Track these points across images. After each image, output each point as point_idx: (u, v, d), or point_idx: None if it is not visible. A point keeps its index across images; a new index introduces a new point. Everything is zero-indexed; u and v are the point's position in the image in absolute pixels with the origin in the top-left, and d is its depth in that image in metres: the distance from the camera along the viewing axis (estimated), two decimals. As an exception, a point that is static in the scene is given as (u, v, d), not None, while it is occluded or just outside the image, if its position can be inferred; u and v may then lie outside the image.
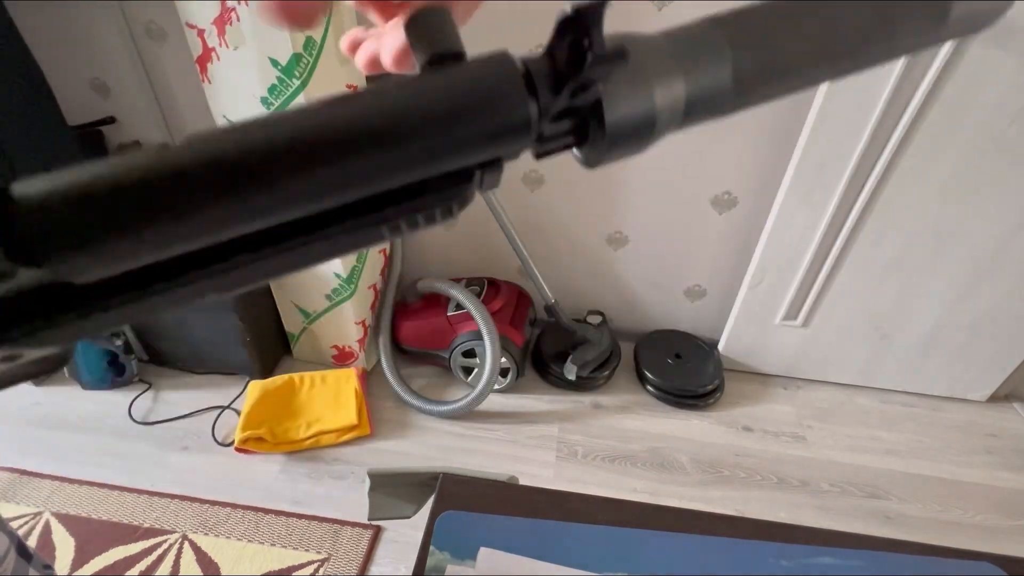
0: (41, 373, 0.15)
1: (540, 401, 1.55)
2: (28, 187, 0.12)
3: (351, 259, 1.39)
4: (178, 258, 0.14)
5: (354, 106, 0.13)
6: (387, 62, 0.16)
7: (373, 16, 0.21)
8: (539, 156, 0.17)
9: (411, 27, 0.15)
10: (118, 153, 1.52)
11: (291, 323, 1.56)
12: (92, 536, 1.16)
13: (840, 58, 0.18)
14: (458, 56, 0.15)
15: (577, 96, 0.15)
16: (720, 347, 1.64)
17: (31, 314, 0.13)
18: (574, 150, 0.17)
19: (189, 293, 0.15)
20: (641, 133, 0.16)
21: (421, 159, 0.14)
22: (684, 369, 1.59)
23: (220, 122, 1.18)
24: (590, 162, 0.17)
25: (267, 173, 0.13)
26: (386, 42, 0.17)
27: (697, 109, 0.17)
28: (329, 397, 1.45)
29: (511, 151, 0.15)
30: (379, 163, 0.14)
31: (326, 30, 1.10)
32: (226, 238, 0.14)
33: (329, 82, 1.15)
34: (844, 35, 0.18)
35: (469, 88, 0.14)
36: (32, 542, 1.16)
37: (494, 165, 0.16)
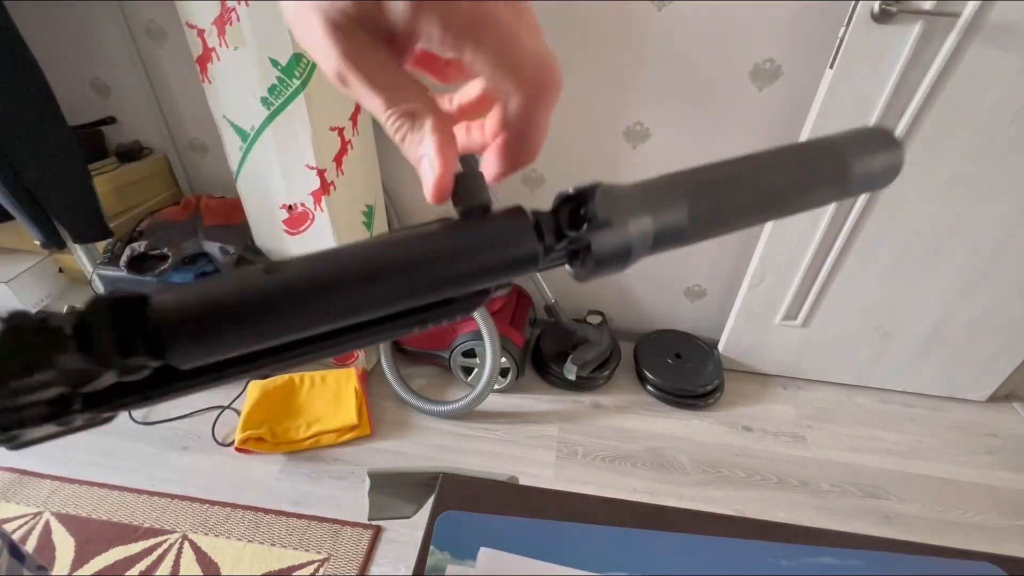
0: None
1: (540, 401, 1.55)
2: (164, 298, 0.16)
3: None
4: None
5: (414, 246, 0.18)
6: (429, 197, 0.20)
7: (428, 77, 0.23)
8: (538, 271, 0.22)
9: (456, 187, 0.20)
10: (119, 154, 1.52)
11: (291, 323, 1.56)
12: (92, 536, 1.16)
13: (767, 210, 0.24)
14: (486, 208, 0.20)
15: (573, 241, 0.20)
16: (720, 347, 1.64)
17: (142, 389, 0.17)
18: (567, 266, 0.22)
19: (255, 369, 0.19)
20: (619, 260, 0.21)
21: (459, 283, 0.19)
22: (684, 369, 1.59)
23: (220, 123, 1.18)
24: (579, 278, 0.22)
25: (348, 293, 0.17)
26: (429, 184, 0.19)
27: (663, 241, 0.22)
28: (329, 397, 1.45)
29: (521, 276, 0.21)
30: (430, 285, 0.18)
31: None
32: (302, 336, 0.18)
33: (329, 81, 1.14)
34: (769, 194, 0.23)
35: (497, 236, 0.19)
36: (32, 542, 1.16)
37: (505, 284, 0.21)
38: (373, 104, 0.20)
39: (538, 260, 0.20)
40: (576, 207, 0.20)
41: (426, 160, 0.19)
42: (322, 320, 0.18)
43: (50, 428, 0.16)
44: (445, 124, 0.19)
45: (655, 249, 0.22)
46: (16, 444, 0.16)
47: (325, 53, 0.20)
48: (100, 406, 0.17)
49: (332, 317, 0.18)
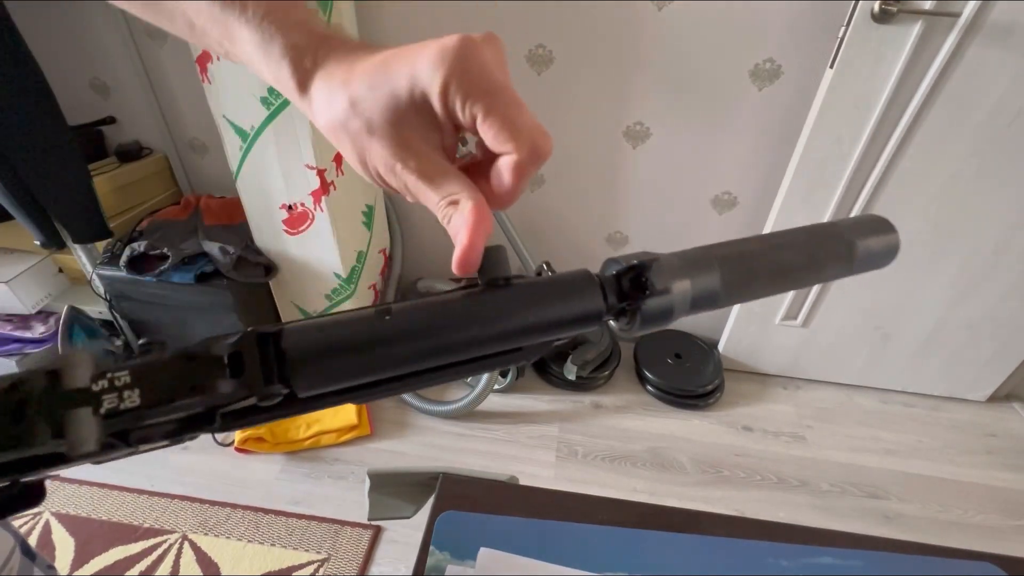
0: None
1: (540, 401, 1.55)
2: (294, 335, 0.19)
3: (351, 259, 1.39)
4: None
5: (503, 301, 0.22)
6: (456, 266, 0.23)
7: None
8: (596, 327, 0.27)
9: (483, 261, 0.23)
10: (119, 153, 1.51)
11: (291, 323, 1.56)
12: (92, 536, 1.16)
13: (787, 280, 0.27)
14: (507, 279, 0.23)
15: (632, 304, 0.24)
16: (720, 347, 1.64)
17: (270, 410, 0.20)
18: (612, 322, 0.25)
19: (361, 397, 0.22)
20: (662, 318, 0.24)
21: (535, 334, 0.23)
22: (684, 369, 1.59)
23: (220, 123, 1.18)
24: (625, 334, 0.28)
25: (448, 337, 0.21)
26: (457, 254, 0.22)
27: (699, 304, 0.25)
28: (329, 397, 1.44)
29: (585, 331, 0.25)
30: (514, 334, 0.22)
31: (326, 30, 1.10)
32: (402, 373, 0.21)
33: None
34: (788, 268, 0.27)
35: (569, 294, 0.23)
36: (32, 542, 1.15)
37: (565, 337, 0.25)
38: (426, 198, 0.24)
39: (602, 317, 0.23)
40: (635, 274, 0.24)
41: (460, 234, 0.22)
42: (421, 360, 0.21)
43: (163, 442, 0.18)
44: (481, 206, 0.22)
45: (692, 311, 0.25)
46: (115, 458, 0.17)
47: (379, 158, 0.24)
48: (233, 424, 0.19)
49: (430, 358, 0.21)
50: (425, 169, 0.23)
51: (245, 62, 0.26)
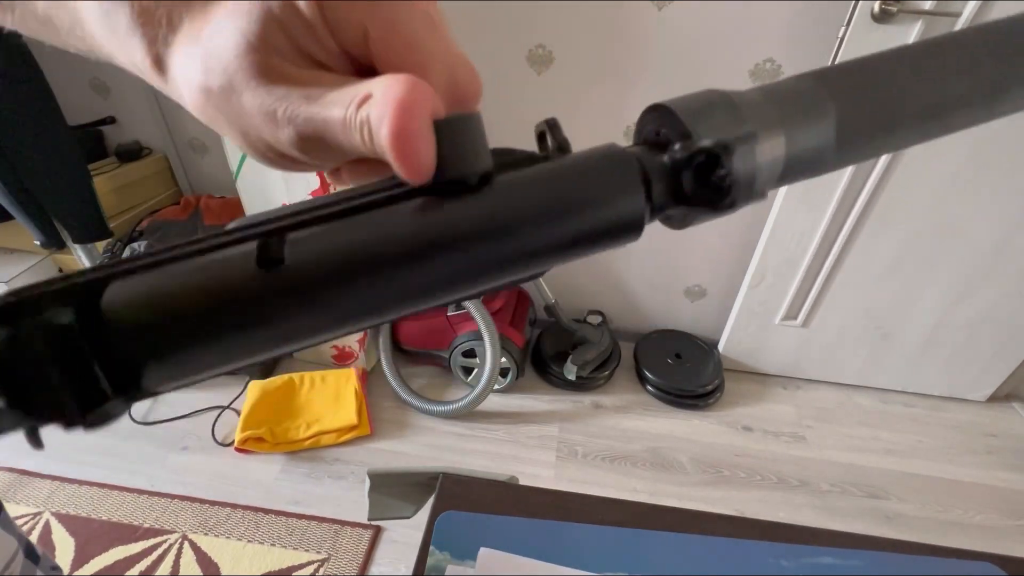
0: None
1: (540, 401, 1.55)
2: (118, 302, 0.12)
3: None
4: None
5: (482, 208, 0.14)
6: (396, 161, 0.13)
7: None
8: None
9: (443, 147, 0.14)
10: (119, 153, 1.51)
11: (291, 323, 1.56)
12: (92, 536, 1.16)
13: (947, 118, 0.18)
14: (488, 175, 0.14)
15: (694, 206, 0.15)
16: (720, 347, 1.64)
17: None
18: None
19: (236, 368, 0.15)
20: (734, 200, 0.15)
21: (533, 261, 0.14)
22: (684, 369, 1.59)
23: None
24: (675, 226, 0.17)
25: (384, 286, 0.13)
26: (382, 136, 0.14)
27: (795, 170, 0.16)
28: (329, 397, 1.45)
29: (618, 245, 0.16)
30: (496, 267, 0.14)
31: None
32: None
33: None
34: (953, 96, 0.17)
35: (591, 190, 0.14)
36: (32, 542, 1.15)
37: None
38: (333, 122, 0.14)
39: (641, 228, 0.15)
40: (706, 167, 0.15)
41: (384, 120, 0.13)
42: (344, 325, 0.14)
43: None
44: (407, 78, 0.14)
45: (782, 181, 0.17)
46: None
47: (257, 114, 0.15)
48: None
49: (350, 324, 0.14)
50: (312, 89, 0.15)
51: (99, 52, 0.19)
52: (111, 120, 1.61)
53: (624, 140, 1.39)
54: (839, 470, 1.39)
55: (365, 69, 0.16)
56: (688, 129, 0.15)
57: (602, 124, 1.38)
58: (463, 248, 0.13)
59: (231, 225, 0.14)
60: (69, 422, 0.11)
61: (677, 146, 0.15)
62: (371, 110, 0.13)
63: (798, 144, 0.16)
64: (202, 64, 0.15)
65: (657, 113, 0.16)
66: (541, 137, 0.16)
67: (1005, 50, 0.18)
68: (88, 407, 0.11)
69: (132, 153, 1.58)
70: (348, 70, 0.16)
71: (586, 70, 1.31)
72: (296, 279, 0.12)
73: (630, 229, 0.15)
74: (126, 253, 1.28)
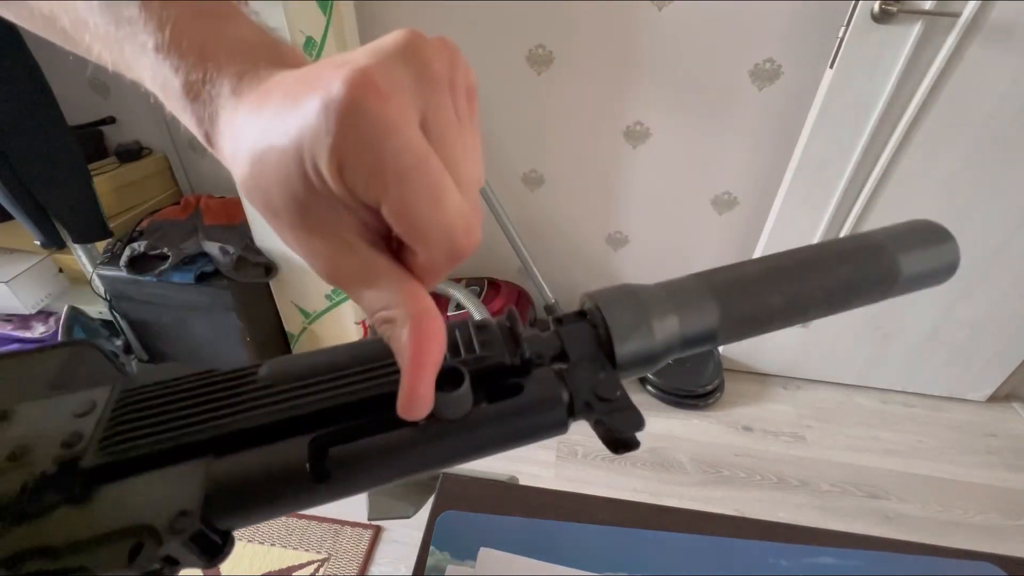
0: None
1: (540, 401, 1.55)
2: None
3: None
4: None
5: (436, 447, 0.19)
6: (400, 410, 0.17)
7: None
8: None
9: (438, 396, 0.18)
10: (119, 153, 1.51)
11: (291, 323, 1.56)
12: (92, 536, 1.16)
13: (804, 314, 0.22)
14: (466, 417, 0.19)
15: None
16: (720, 347, 1.64)
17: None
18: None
19: None
20: (646, 365, 0.21)
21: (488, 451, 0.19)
22: (684, 369, 1.59)
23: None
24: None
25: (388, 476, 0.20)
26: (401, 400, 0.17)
27: (692, 344, 0.21)
28: (329, 397, 1.44)
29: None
30: (457, 457, 0.19)
31: (326, 30, 1.10)
32: None
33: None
34: (808, 298, 0.22)
35: (530, 416, 0.19)
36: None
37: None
38: (360, 304, 0.18)
39: (566, 426, 0.20)
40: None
41: (403, 372, 0.17)
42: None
43: None
44: (421, 327, 0.16)
45: (683, 352, 0.22)
46: None
47: (296, 249, 0.18)
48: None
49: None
50: (341, 270, 0.17)
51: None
52: (111, 120, 1.61)
53: (623, 140, 1.39)
54: (839, 470, 1.39)
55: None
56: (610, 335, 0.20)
57: (602, 124, 1.38)
58: (446, 461, 0.19)
59: (264, 373, 0.19)
60: (204, 567, 0.17)
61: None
62: (393, 343, 0.17)
63: (689, 325, 0.21)
64: (251, 160, 0.16)
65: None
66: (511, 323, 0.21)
67: (852, 259, 0.23)
68: (213, 557, 0.16)
69: (132, 153, 1.58)
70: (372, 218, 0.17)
71: (586, 70, 1.31)
72: (337, 488, 0.19)
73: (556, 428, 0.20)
74: (126, 253, 1.28)
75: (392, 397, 0.17)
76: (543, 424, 0.19)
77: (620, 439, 0.20)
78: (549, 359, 0.20)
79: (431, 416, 0.18)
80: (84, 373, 0.19)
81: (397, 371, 0.17)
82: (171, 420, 0.18)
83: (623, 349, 0.20)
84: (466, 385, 0.18)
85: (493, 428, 0.19)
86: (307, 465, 0.17)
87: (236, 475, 0.17)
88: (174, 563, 0.16)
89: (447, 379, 0.18)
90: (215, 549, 0.16)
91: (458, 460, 0.19)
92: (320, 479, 0.18)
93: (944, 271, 0.24)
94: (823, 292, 0.22)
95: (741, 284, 0.22)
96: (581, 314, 0.22)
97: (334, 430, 0.18)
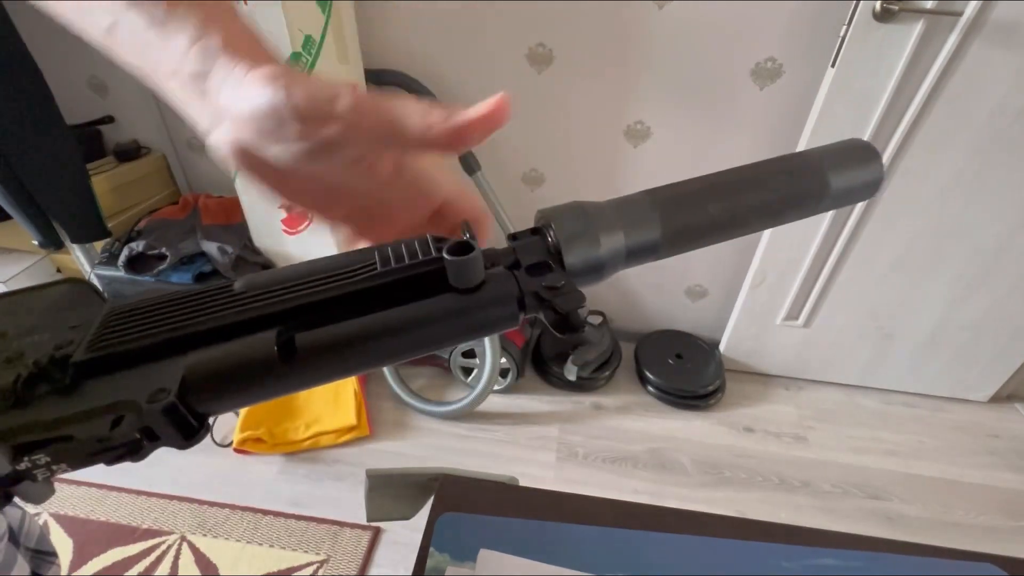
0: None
1: (540, 402, 1.55)
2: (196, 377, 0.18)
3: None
4: None
5: (417, 313, 0.20)
6: None
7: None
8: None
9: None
10: (117, 153, 1.51)
11: (290, 323, 1.56)
12: (90, 537, 1.16)
13: (742, 225, 0.24)
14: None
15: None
16: (721, 347, 1.64)
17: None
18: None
19: None
20: (593, 273, 0.23)
21: (441, 345, 0.21)
22: (685, 369, 1.58)
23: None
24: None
25: (360, 359, 0.20)
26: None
27: (636, 256, 0.23)
28: (328, 398, 1.44)
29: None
30: (418, 346, 0.20)
31: (325, 29, 1.10)
32: None
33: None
34: (745, 209, 0.24)
35: (486, 310, 0.21)
36: (30, 543, 1.15)
37: None
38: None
39: (518, 320, 0.21)
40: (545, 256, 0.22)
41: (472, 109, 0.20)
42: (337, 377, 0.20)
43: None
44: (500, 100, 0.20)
45: (629, 263, 0.24)
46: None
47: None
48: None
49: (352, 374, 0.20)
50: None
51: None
52: (109, 119, 1.61)
53: (623, 139, 1.39)
54: (841, 471, 1.39)
55: None
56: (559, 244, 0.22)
57: (602, 123, 1.38)
58: (407, 350, 0.20)
59: (239, 285, 0.20)
60: (180, 447, 0.17)
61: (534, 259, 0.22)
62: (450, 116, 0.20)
63: (634, 239, 0.23)
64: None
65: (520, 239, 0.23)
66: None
67: (786, 175, 0.25)
68: (188, 437, 0.17)
69: (130, 152, 1.57)
70: None
71: (586, 69, 1.30)
72: (306, 371, 0.19)
73: (508, 321, 0.21)
74: (124, 253, 1.27)
75: (360, 295, 0.20)
76: (500, 316, 0.21)
77: (563, 317, 0.20)
78: (505, 268, 0.22)
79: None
80: (80, 303, 0.21)
81: (366, 274, 0.20)
82: (154, 323, 0.19)
83: (571, 257, 0.22)
84: (477, 251, 0.20)
85: (454, 319, 0.20)
86: (275, 349, 0.18)
87: (211, 361, 0.18)
88: (153, 438, 0.17)
89: (460, 249, 0.20)
90: (191, 429, 0.17)
91: (418, 350, 0.20)
92: (286, 360, 0.18)
93: (869, 187, 0.26)
94: (759, 205, 0.24)
95: (683, 197, 0.23)
96: (535, 231, 0.23)
97: (302, 319, 0.20)
